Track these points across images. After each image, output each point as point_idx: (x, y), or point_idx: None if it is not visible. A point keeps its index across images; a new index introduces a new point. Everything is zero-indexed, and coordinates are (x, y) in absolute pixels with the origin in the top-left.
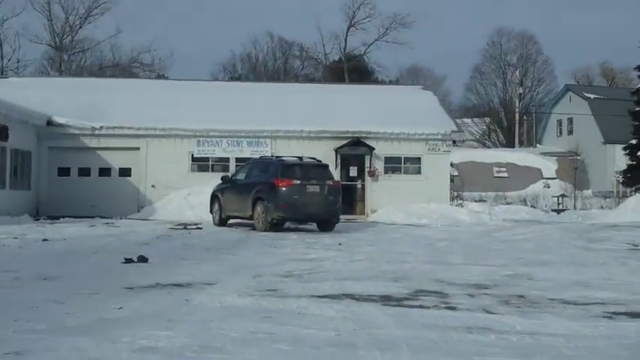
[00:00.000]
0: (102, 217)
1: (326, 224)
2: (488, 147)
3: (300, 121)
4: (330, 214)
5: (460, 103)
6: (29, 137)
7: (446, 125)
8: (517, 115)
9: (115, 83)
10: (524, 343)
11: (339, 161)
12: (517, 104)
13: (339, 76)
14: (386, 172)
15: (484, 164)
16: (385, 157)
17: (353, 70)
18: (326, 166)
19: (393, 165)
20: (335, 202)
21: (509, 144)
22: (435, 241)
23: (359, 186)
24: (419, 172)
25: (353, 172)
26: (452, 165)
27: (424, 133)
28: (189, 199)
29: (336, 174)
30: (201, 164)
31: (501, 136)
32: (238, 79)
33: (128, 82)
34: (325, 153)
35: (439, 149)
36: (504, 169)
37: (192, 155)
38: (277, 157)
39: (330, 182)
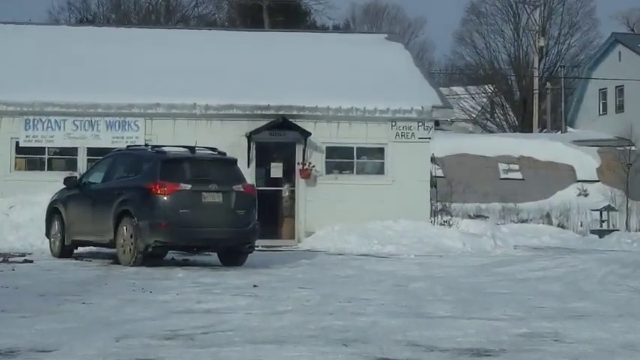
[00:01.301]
0: None
1: (233, 255)
2: (491, 131)
3: (193, 90)
4: (239, 239)
5: (447, 63)
6: None
7: (424, 97)
8: (536, 82)
9: None
10: None
11: (254, 154)
12: (536, 64)
13: (254, 20)
14: (329, 171)
15: (485, 159)
16: (328, 148)
17: (277, 10)
18: (233, 163)
19: (341, 160)
20: (247, 218)
21: (525, 127)
22: (408, 281)
23: (286, 193)
24: (381, 171)
25: (276, 171)
26: (434, 160)
27: (390, 109)
28: (13, 214)
29: (249, 174)
30: (31, 158)
31: (512, 114)
32: (92, 22)
33: None
34: (233, 141)
35: (413, 135)
36: (517, 166)
37: (17, 144)
38: (155, 147)
39: (239, 187)
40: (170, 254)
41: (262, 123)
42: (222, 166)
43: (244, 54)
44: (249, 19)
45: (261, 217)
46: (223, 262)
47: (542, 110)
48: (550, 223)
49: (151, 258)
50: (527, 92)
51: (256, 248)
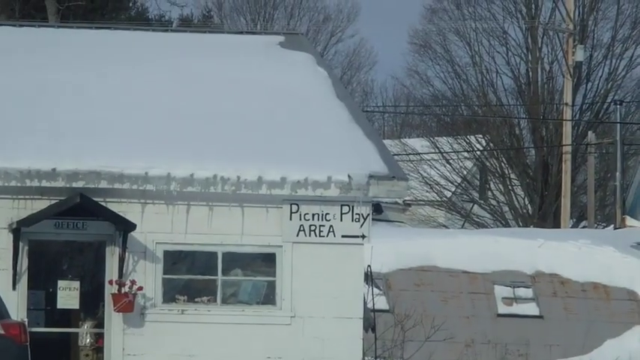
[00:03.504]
0: None
1: None
2: (482, 225)
3: None
4: None
5: (398, 94)
6: None
7: (354, 158)
8: (568, 132)
9: None
10: None
11: (25, 263)
12: (568, 97)
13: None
14: (169, 297)
15: (469, 278)
16: (169, 254)
17: None
18: None
19: (194, 277)
20: None
21: (546, 218)
22: None
23: (86, 340)
24: (270, 298)
25: (68, 297)
26: (371, 279)
27: (287, 180)
28: None
29: (16, 303)
30: None
31: (521, 192)
32: None
33: None
34: None
35: (332, 231)
36: (530, 291)
37: None
38: None
39: None
40: None
41: (42, 205)
42: None
43: (18, 66)
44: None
45: None
46: None
47: (578, 186)
48: None
49: None
50: (550, 151)
51: None
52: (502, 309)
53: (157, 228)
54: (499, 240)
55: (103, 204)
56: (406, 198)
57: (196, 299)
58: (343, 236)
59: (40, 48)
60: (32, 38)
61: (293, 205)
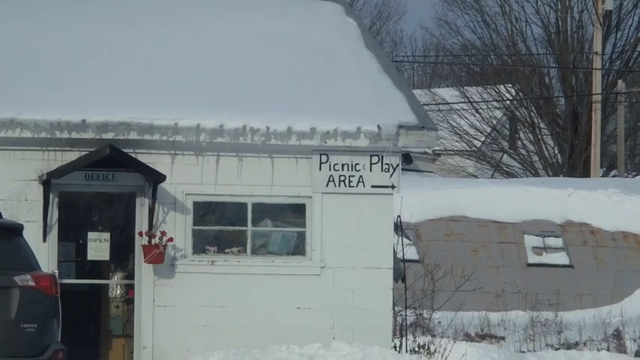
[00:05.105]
0: None
1: None
2: (512, 175)
3: None
4: None
5: (428, 44)
6: None
7: (383, 108)
8: (598, 80)
9: None
10: None
11: (55, 215)
12: (598, 46)
13: None
14: (200, 248)
15: (499, 228)
16: (198, 205)
17: None
18: (14, 233)
19: (223, 228)
20: (41, 340)
21: (576, 167)
22: None
23: (117, 292)
24: (300, 248)
25: (99, 249)
26: (400, 229)
27: (316, 130)
28: None
29: (46, 254)
30: None
31: (550, 142)
32: None
33: None
34: (14, 189)
35: (362, 181)
36: (559, 241)
37: None
38: None
39: (26, 280)
40: None
41: (72, 157)
42: None
43: (48, 21)
44: None
45: (67, 337)
46: None
47: (608, 135)
48: (622, 349)
49: None
50: (580, 100)
51: None
52: (532, 259)
53: (187, 179)
54: (529, 189)
55: (132, 155)
56: (436, 148)
57: (226, 250)
58: (373, 186)
59: (68, 3)
60: None
61: (322, 156)
